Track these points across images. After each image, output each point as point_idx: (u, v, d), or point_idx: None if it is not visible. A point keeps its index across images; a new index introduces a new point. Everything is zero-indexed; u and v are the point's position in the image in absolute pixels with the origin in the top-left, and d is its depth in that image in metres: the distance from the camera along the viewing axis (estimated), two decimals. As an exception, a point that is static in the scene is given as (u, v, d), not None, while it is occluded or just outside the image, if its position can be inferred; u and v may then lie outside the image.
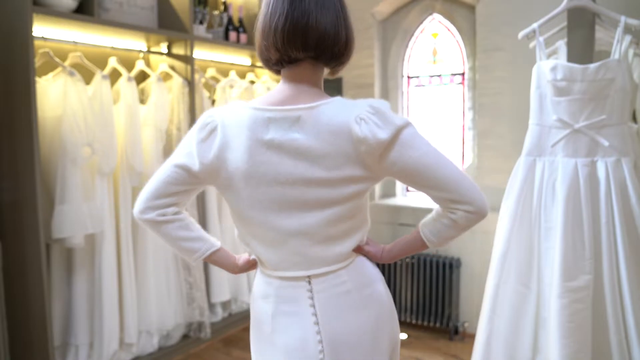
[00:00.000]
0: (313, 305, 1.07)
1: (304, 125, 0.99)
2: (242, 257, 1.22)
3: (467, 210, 1.00)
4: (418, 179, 1.00)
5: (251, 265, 1.21)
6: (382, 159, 0.98)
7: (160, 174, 1.08)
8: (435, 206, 1.08)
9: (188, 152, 1.06)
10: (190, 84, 2.93)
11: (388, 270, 3.28)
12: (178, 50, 2.97)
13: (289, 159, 1.00)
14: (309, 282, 1.07)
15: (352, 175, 1.00)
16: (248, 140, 1.01)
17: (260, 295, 1.13)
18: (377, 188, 3.54)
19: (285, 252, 1.06)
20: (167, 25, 2.91)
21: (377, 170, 1.00)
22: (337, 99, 1.02)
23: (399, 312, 3.27)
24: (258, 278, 1.16)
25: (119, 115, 2.63)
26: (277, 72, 1.09)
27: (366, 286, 1.11)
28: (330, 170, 0.99)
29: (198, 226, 1.18)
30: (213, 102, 3.26)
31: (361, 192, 1.03)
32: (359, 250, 1.12)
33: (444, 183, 0.99)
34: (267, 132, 1.00)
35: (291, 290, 1.08)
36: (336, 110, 0.99)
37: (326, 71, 1.11)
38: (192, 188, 1.10)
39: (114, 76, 2.68)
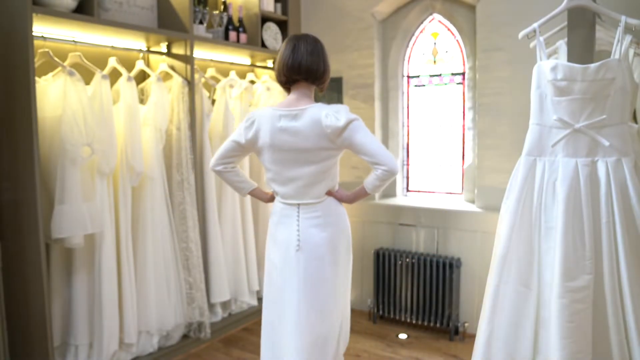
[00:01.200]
0: (298, 222, 1.89)
1: (299, 119, 1.82)
2: (269, 192, 2.06)
3: (383, 169, 1.78)
4: (358, 149, 1.79)
5: (273, 196, 2.02)
6: (339, 137, 1.78)
7: (225, 145, 1.97)
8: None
9: (239, 133, 1.92)
10: (190, 83, 2.92)
11: (388, 270, 3.28)
12: (178, 50, 2.97)
13: (291, 137, 1.82)
14: (298, 208, 1.90)
15: (323, 146, 1.81)
16: (270, 127, 1.84)
17: (274, 212, 1.98)
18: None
19: (288, 189, 1.90)
20: (167, 25, 2.91)
21: (337, 143, 1.80)
22: (319, 104, 1.84)
23: (399, 312, 3.27)
24: (275, 203, 1.99)
25: (118, 115, 2.63)
26: (288, 89, 1.93)
27: (330, 216, 1.92)
28: (312, 143, 1.80)
29: (245, 174, 2.08)
30: (213, 101, 3.26)
31: (330, 157, 1.85)
32: (329, 193, 1.94)
33: (371, 152, 1.78)
34: (279, 122, 1.84)
35: (288, 211, 1.92)
36: (316, 110, 1.81)
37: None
38: (242, 153, 1.98)
39: (114, 76, 2.67)
